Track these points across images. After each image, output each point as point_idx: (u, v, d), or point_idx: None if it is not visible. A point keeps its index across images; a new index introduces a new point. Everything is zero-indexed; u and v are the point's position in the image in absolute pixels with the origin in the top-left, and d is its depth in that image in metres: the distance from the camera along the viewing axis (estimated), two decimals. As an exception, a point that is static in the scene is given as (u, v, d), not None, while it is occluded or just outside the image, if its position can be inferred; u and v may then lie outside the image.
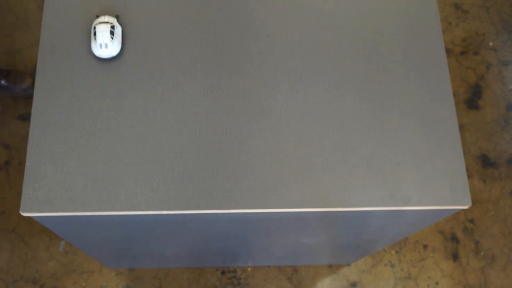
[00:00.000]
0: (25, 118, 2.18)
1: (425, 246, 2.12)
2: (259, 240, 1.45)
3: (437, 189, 1.14)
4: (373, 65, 1.23)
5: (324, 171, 1.13)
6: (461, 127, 2.31)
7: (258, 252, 1.68)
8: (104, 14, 1.22)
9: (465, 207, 1.15)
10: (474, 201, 2.20)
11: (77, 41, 1.20)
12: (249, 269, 2.05)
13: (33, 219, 2.05)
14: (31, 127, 1.12)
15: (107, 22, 1.15)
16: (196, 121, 1.15)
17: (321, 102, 1.19)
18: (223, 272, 2.04)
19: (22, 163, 2.12)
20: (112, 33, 1.15)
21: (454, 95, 2.36)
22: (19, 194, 2.07)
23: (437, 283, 2.07)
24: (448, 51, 2.43)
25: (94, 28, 1.16)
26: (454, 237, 2.14)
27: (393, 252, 2.10)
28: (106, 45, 1.14)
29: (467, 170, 2.25)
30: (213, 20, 1.24)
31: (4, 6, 2.34)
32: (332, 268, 2.07)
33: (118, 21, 1.19)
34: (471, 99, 2.36)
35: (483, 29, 2.49)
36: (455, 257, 2.11)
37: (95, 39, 1.15)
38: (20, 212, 1.13)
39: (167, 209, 1.08)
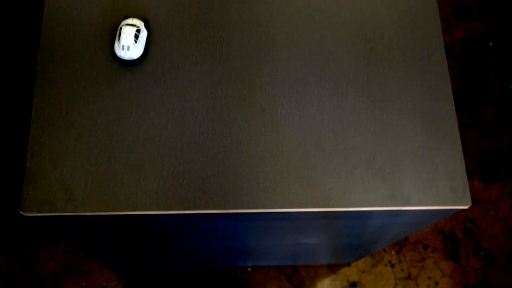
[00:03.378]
0: None
1: (425, 246, 2.12)
2: (259, 240, 1.45)
3: (437, 189, 1.14)
4: (373, 65, 1.23)
5: (324, 171, 1.13)
6: (461, 127, 2.31)
7: (258, 252, 1.68)
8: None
9: (465, 207, 1.15)
10: (474, 201, 2.20)
11: (77, 41, 1.20)
12: (249, 269, 2.05)
13: (33, 219, 2.05)
14: (31, 127, 1.12)
15: (133, 25, 1.15)
16: (196, 121, 1.15)
17: (321, 102, 1.19)
18: (223, 272, 2.04)
19: None
20: (136, 36, 1.14)
21: (454, 95, 2.36)
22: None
23: (437, 283, 2.07)
24: (448, 51, 2.44)
25: (120, 29, 1.16)
26: (454, 237, 2.14)
27: (393, 252, 2.10)
28: (128, 48, 1.14)
29: (467, 170, 2.25)
30: (213, 20, 1.24)
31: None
32: (332, 268, 2.07)
33: (145, 25, 1.19)
34: (471, 99, 2.36)
35: (483, 29, 2.49)
36: (455, 257, 2.11)
37: (119, 40, 1.15)
38: (20, 212, 1.13)
39: (167, 209, 1.08)
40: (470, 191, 2.22)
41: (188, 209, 1.08)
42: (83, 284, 1.98)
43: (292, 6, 1.27)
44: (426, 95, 1.22)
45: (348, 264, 2.07)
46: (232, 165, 1.12)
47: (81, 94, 1.15)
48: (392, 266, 2.08)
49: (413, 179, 1.14)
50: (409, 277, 2.07)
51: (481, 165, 2.26)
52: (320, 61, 1.23)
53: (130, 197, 1.08)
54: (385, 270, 2.08)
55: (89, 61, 1.18)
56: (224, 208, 1.09)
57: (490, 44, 2.46)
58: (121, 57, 1.16)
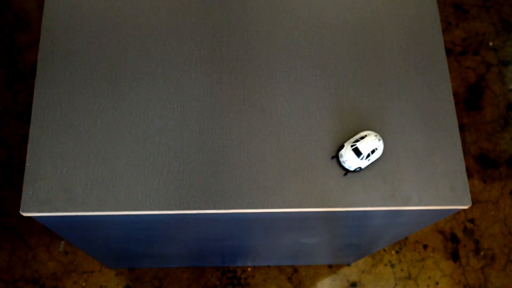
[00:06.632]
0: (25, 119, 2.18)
1: (425, 246, 2.12)
2: (259, 240, 1.45)
3: (437, 189, 1.14)
4: (373, 65, 1.23)
5: (324, 171, 1.13)
6: (461, 127, 2.31)
7: (258, 252, 1.68)
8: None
9: (465, 207, 1.15)
10: (474, 201, 2.20)
11: (77, 41, 1.20)
12: (249, 269, 2.05)
13: (33, 219, 2.05)
14: (31, 127, 1.12)
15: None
16: (196, 121, 1.15)
17: (321, 102, 1.19)
18: (223, 272, 2.04)
19: (22, 163, 2.12)
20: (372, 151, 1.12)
21: (454, 95, 2.36)
22: (19, 194, 2.08)
23: (437, 283, 2.07)
24: (448, 51, 2.43)
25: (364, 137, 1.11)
26: (454, 237, 2.14)
27: (393, 252, 2.10)
28: (363, 157, 1.10)
29: (467, 170, 2.25)
30: (213, 20, 1.24)
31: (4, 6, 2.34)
32: (332, 268, 2.07)
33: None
34: (471, 99, 2.36)
35: (483, 29, 2.49)
36: (455, 257, 2.11)
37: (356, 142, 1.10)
38: (20, 212, 1.13)
39: (167, 209, 1.08)
40: (470, 191, 2.22)
41: (188, 209, 1.08)
42: (83, 284, 1.98)
43: (292, 6, 1.27)
44: (426, 95, 1.22)
45: (348, 264, 2.07)
46: (232, 165, 1.12)
47: (81, 94, 1.15)
48: (392, 266, 2.08)
49: (413, 179, 1.14)
50: (409, 277, 2.07)
51: (481, 165, 2.26)
52: (320, 61, 1.23)
53: (130, 197, 1.08)
54: (385, 270, 2.08)
55: (89, 61, 1.18)
56: (224, 208, 1.09)
57: (490, 44, 2.46)
58: (344, 164, 1.12)
